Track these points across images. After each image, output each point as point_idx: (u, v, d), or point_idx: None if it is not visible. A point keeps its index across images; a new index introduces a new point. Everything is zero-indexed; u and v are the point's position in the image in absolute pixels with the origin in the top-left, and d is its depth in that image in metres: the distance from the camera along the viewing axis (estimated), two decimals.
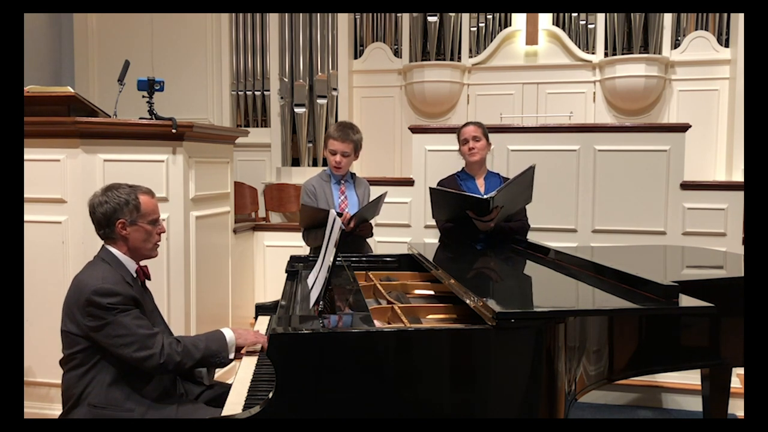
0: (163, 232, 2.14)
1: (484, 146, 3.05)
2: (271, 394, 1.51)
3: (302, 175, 5.48)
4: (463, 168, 3.14)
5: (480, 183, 3.09)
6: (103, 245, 2.06)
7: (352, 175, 3.16)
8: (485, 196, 2.70)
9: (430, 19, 6.02)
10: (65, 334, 1.96)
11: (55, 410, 3.01)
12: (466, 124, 3.11)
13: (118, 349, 1.88)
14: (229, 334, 2.03)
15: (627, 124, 4.85)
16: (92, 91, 6.22)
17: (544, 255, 2.57)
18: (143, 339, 1.88)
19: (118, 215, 2.00)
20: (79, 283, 1.95)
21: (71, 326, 1.93)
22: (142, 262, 2.12)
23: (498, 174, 3.17)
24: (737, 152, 5.34)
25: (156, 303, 2.20)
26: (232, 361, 2.03)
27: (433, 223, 3.28)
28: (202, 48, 6.20)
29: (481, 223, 2.80)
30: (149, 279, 2.15)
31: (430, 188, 2.87)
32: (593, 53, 5.84)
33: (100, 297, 1.87)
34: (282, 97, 6.04)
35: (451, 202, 2.84)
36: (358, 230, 2.95)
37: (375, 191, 3.11)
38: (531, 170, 2.78)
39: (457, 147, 3.14)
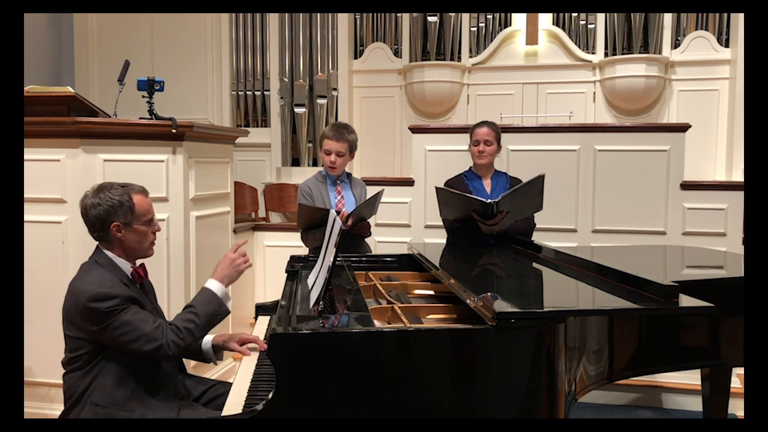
0: (159, 230, 2.08)
1: (494, 151, 3.05)
2: (271, 394, 1.51)
3: (302, 175, 5.47)
4: (470, 167, 3.14)
5: (487, 183, 3.09)
6: (97, 247, 2.02)
7: (348, 175, 3.16)
8: (489, 201, 2.70)
9: (430, 19, 6.02)
10: (69, 337, 1.94)
11: (55, 410, 3.01)
12: (481, 124, 3.07)
13: (126, 346, 1.86)
14: (215, 286, 1.98)
15: (627, 124, 4.86)
16: (92, 91, 6.22)
17: (544, 255, 2.57)
18: (149, 332, 1.85)
19: (113, 218, 1.94)
20: (74, 290, 1.92)
21: (74, 331, 1.92)
22: (139, 261, 2.08)
23: (505, 173, 3.16)
24: (737, 152, 5.34)
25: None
26: (209, 380, 2.02)
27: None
28: (202, 48, 6.20)
29: (486, 227, 2.80)
30: (146, 278, 2.11)
31: (437, 188, 2.86)
32: (593, 53, 5.84)
33: (98, 303, 1.83)
34: (282, 97, 6.04)
35: (457, 203, 2.84)
36: (356, 230, 2.95)
37: (374, 191, 3.11)
38: (540, 179, 2.77)
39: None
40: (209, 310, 1.94)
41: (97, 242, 2.03)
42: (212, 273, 2.07)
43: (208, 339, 2.17)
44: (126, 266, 2.01)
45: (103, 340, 1.88)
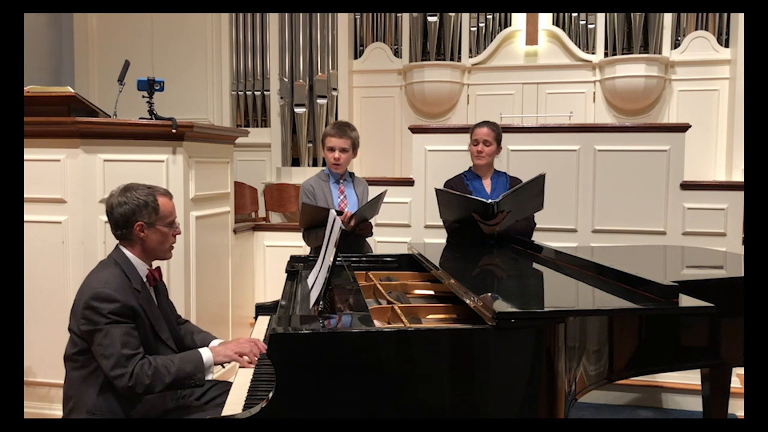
0: (179, 233, 2.11)
1: (492, 151, 3.05)
2: (271, 394, 1.51)
3: (302, 175, 5.48)
4: (470, 167, 3.14)
5: (486, 183, 3.09)
6: (117, 245, 2.04)
7: (351, 174, 3.16)
8: (490, 201, 2.70)
9: (430, 19, 6.02)
10: (71, 332, 1.96)
11: (55, 410, 3.00)
12: (482, 124, 3.08)
13: (98, 358, 1.86)
14: (206, 354, 1.95)
15: (627, 124, 4.85)
16: (92, 91, 6.22)
17: (544, 255, 2.57)
18: (121, 358, 1.83)
19: (137, 217, 1.97)
20: (84, 285, 1.94)
21: (74, 326, 1.93)
22: (155, 264, 2.10)
23: (505, 173, 3.16)
24: (737, 152, 5.34)
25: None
26: (208, 381, 1.98)
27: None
28: (202, 48, 6.20)
29: (486, 227, 2.80)
30: (161, 281, 2.13)
31: (436, 189, 2.86)
32: (593, 53, 5.84)
33: (98, 302, 1.85)
34: (282, 97, 6.04)
35: (457, 204, 2.84)
36: (358, 229, 2.95)
37: (375, 191, 3.11)
38: (541, 179, 2.77)
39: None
40: (187, 369, 1.90)
41: (117, 241, 2.05)
42: (225, 341, 2.08)
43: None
44: (143, 267, 2.03)
45: (87, 342, 1.88)
